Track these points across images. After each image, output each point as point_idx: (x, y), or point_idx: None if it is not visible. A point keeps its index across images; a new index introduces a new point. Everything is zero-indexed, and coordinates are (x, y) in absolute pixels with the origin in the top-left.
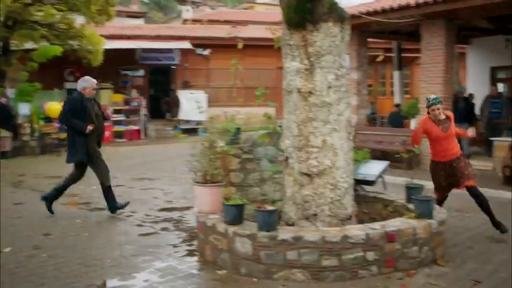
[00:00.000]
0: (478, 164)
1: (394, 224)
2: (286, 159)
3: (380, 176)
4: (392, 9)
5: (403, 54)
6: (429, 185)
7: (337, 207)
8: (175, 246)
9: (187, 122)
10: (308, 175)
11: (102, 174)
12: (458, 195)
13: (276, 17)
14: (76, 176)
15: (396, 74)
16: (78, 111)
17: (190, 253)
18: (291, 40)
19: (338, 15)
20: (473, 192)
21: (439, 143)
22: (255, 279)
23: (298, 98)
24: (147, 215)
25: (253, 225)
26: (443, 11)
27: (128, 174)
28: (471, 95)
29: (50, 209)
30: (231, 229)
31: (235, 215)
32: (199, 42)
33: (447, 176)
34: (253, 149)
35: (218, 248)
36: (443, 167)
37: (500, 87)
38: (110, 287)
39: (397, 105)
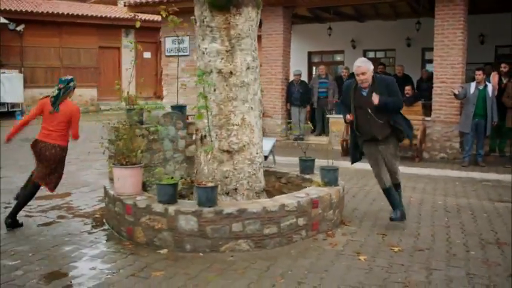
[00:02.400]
0: (315, 139)
1: (313, 191)
2: (202, 138)
3: (271, 151)
4: None
5: None
6: None
7: (253, 181)
8: (90, 232)
9: (1, 104)
10: (228, 152)
11: None
12: None
13: None
14: None
15: None
16: None
17: (111, 238)
18: (212, 22)
19: (255, 1)
20: None
21: None
22: (201, 254)
23: (218, 78)
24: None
25: (191, 202)
26: None
27: None
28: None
29: None
30: (172, 208)
31: (171, 194)
32: (12, 17)
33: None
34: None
35: (155, 229)
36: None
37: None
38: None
39: None
